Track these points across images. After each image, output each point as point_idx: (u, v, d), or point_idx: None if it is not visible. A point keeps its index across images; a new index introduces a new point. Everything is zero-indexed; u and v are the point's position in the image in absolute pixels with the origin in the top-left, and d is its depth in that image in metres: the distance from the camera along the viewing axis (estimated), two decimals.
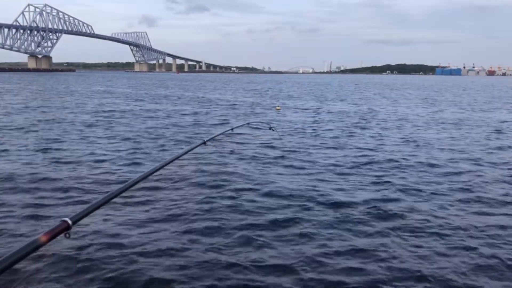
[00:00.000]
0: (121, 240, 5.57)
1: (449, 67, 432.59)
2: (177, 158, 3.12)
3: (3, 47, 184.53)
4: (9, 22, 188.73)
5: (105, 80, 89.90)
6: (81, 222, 1.90)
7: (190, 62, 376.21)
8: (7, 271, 1.49)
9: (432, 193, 7.82)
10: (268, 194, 7.64)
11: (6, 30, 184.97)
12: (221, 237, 5.70)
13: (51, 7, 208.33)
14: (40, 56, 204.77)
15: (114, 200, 2.24)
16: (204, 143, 3.70)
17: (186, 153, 3.38)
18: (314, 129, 16.78)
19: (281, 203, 7.12)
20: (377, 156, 11.28)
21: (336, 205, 7.07)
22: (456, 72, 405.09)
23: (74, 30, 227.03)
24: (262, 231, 5.92)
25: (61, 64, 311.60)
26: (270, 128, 7.23)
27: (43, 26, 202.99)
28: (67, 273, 4.67)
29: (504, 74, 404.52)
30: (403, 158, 11.00)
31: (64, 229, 1.75)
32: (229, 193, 7.66)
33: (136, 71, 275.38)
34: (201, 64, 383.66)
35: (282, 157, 10.99)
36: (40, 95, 37.09)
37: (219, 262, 4.97)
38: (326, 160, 10.76)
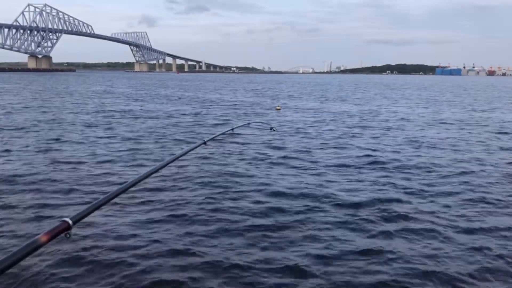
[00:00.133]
0: (121, 240, 5.56)
1: (449, 67, 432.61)
2: (177, 158, 3.12)
3: (3, 47, 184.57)
4: (9, 22, 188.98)
5: (105, 80, 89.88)
6: (82, 222, 1.89)
7: (190, 62, 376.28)
8: (8, 271, 1.48)
9: (435, 194, 7.80)
10: (270, 195, 7.62)
11: (6, 30, 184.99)
12: (224, 238, 5.69)
13: (51, 7, 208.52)
14: (40, 56, 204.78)
15: (115, 200, 2.24)
16: (205, 143, 3.71)
17: (186, 153, 3.38)
18: (315, 129, 16.76)
19: (282, 204, 7.10)
20: (379, 156, 11.27)
21: (339, 205, 7.05)
22: (456, 72, 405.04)
23: (74, 30, 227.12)
24: (264, 231, 5.88)
25: (61, 64, 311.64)
26: (270, 128, 7.24)
27: (43, 26, 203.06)
28: (67, 273, 4.66)
29: (504, 74, 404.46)
30: (406, 158, 10.99)
31: (64, 229, 1.75)
32: (230, 194, 7.65)
33: (136, 71, 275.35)
34: (201, 64, 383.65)
35: (283, 157, 10.98)
36: (40, 95, 37.07)
37: (222, 263, 4.95)
38: (327, 160, 10.75)
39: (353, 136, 15.08)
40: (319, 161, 10.55)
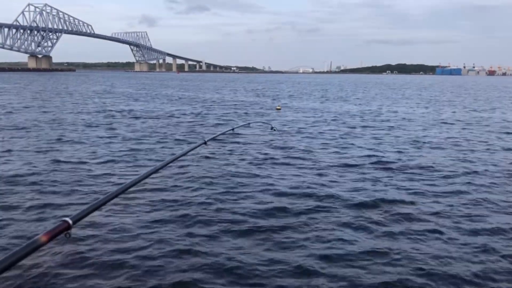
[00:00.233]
0: (121, 240, 5.54)
1: (449, 67, 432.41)
2: (178, 158, 3.10)
3: (3, 47, 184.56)
4: (9, 22, 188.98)
5: (105, 80, 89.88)
6: (82, 221, 1.88)
7: (190, 62, 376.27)
8: (7, 271, 1.47)
9: (437, 194, 7.78)
10: (271, 195, 7.60)
11: (6, 30, 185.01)
12: (225, 238, 5.67)
13: (51, 7, 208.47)
14: (40, 56, 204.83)
15: (115, 200, 2.22)
16: (205, 143, 3.68)
17: (187, 153, 3.36)
18: (316, 129, 16.75)
19: (284, 204, 7.08)
20: (380, 156, 11.25)
21: (341, 206, 7.03)
22: (456, 72, 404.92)
23: (74, 30, 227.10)
24: (267, 232, 5.86)
25: (61, 64, 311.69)
26: (271, 128, 7.21)
27: (43, 26, 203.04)
28: (67, 272, 4.64)
29: (504, 74, 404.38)
30: (407, 159, 10.97)
31: (64, 229, 1.73)
32: (232, 194, 7.64)
33: (136, 71, 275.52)
34: (201, 64, 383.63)
35: (284, 157, 10.97)
36: (40, 95, 37.07)
37: (224, 264, 4.92)
38: (328, 160, 10.73)
39: (354, 136, 15.07)
40: (320, 161, 10.53)
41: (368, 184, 8.42)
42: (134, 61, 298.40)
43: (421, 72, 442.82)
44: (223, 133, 5.13)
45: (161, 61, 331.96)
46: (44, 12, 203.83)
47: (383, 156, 11.16)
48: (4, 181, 8.33)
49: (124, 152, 11.52)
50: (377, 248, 5.36)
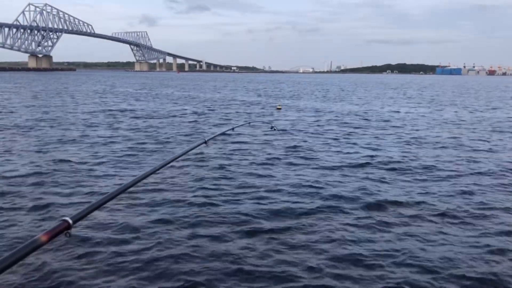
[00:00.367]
0: (122, 239, 5.54)
1: (449, 66, 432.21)
2: (178, 157, 3.10)
3: (3, 47, 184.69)
4: (10, 21, 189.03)
5: (105, 79, 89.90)
6: (82, 221, 1.88)
7: (190, 62, 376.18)
8: (7, 271, 1.47)
9: (439, 194, 7.77)
10: (272, 195, 7.59)
11: (6, 29, 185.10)
12: (227, 239, 5.65)
13: (52, 7, 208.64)
14: (40, 56, 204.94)
15: (115, 199, 2.22)
16: (205, 142, 3.68)
17: (187, 152, 3.36)
18: (316, 129, 16.75)
19: (286, 204, 7.07)
20: (381, 156, 11.24)
21: (343, 206, 7.01)
22: (456, 71, 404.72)
23: (75, 29, 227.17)
24: (269, 233, 5.84)
25: (62, 63, 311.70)
26: (271, 128, 7.21)
27: (44, 25, 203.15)
28: (66, 272, 4.64)
29: (504, 74, 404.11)
30: (409, 159, 10.96)
31: (64, 228, 1.73)
32: (232, 194, 7.63)
33: (136, 71, 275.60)
34: (201, 63, 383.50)
35: (284, 156, 10.97)
36: (41, 94, 37.08)
37: (226, 264, 4.91)
38: (328, 160, 10.73)
39: (355, 135, 15.06)
40: (321, 161, 10.52)
41: (371, 184, 8.39)
42: (135, 60, 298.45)
43: (421, 72, 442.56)
44: (223, 133, 5.13)
45: (161, 60, 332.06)
46: (44, 12, 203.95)
47: (385, 156, 11.15)
48: (5, 180, 8.33)
49: (124, 151, 11.52)
50: (382, 249, 5.34)
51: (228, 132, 5.17)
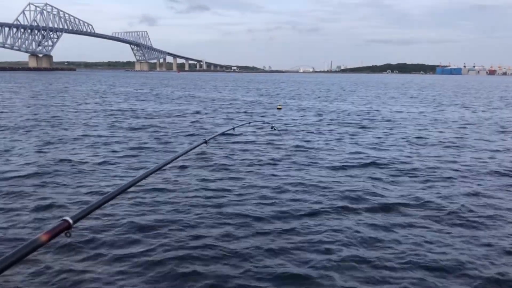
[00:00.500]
0: (122, 239, 5.54)
1: (449, 66, 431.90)
2: (178, 157, 3.09)
3: (3, 46, 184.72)
4: (10, 21, 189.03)
5: (106, 79, 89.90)
6: (83, 221, 1.87)
7: (190, 61, 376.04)
8: (8, 271, 1.46)
9: (441, 194, 7.77)
10: (273, 195, 7.58)
11: (7, 29, 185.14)
12: (228, 239, 5.65)
13: (52, 6, 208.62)
14: (40, 55, 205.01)
15: (116, 199, 2.21)
16: (206, 142, 3.66)
17: (187, 152, 3.35)
18: (316, 129, 16.73)
19: (287, 203, 7.07)
20: (382, 156, 11.23)
21: (344, 206, 7.00)
22: (457, 71, 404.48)
23: (75, 29, 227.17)
24: (270, 234, 5.83)
25: (62, 63, 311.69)
26: (271, 128, 7.19)
27: (44, 25, 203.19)
28: (66, 271, 4.64)
29: (504, 74, 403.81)
30: (410, 159, 10.95)
31: (64, 228, 1.72)
32: (233, 194, 7.62)
33: (136, 70, 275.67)
34: (201, 63, 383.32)
35: (284, 156, 10.96)
36: (41, 94, 37.08)
37: (229, 267, 4.92)
38: (330, 160, 10.72)
39: (355, 135, 15.05)
40: (323, 161, 10.52)
41: (375, 184, 8.38)
42: (135, 60, 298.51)
43: (421, 72, 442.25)
44: (223, 133, 5.12)
45: (161, 60, 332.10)
46: (44, 12, 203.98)
47: (387, 156, 11.14)
48: (5, 180, 8.33)
49: (125, 151, 11.51)
50: (388, 249, 5.34)
51: (228, 132, 5.15)
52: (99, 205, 1.98)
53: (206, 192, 7.63)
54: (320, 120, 19.81)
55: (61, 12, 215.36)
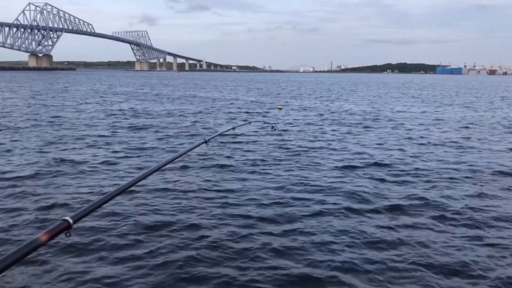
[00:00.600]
0: (122, 239, 5.52)
1: (450, 66, 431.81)
2: (178, 157, 3.08)
3: (3, 46, 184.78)
4: (10, 21, 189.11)
5: (106, 79, 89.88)
6: (83, 220, 1.87)
7: (190, 61, 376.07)
8: (7, 270, 1.45)
9: (442, 194, 7.75)
10: (273, 195, 7.54)
11: (7, 29, 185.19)
12: (229, 239, 5.63)
13: (52, 6, 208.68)
14: (40, 55, 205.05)
15: (116, 199, 2.21)
16: (206, 142, 3.66)
17: (187, 152, 3.34)
18: (317, 129, 16.72)
19: (287, 204, 7.04)
20: (383, 156, 11.19)
21: (345, 206, 6.97)
22: (457, 71, 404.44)
23: (75, 29, 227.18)
24: (272, 236, 5.79)
25: (62, 63, 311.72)
26: (272, 127, 7.19)
27: (44, 25, 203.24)
28: (66, 271, 4.62)
29: (505, 73, 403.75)
30: (411, 159, 10.92)
31: (64, 228, 1.71)
32: (233, 194, 7.60)
33: (137, 70, 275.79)
34: (201, 63, 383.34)
35: (285, 156, 10.94)
36: (41, 94, 37.07)
37: (230, 268, 4.90)
38: (331, 159, 10.69)
39: (356, 135, 15.03)
40: (324, 161, 10.50)
41: (376, 184, 8.34)
42: (135, 60, 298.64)
43: (421, 72, 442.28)
44: (223, 132, 5.11)
45: (161, 60, 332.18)
46: (44, 11, 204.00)
47: (390, 156, 11.10)
48: (5, 180, 8.32)
49: (125, 151, 11.50)
50: (392, 250, 5.31)
51: (228, 132, 5.14)
52: (99, 205, 1.97)
53: (206, 192, 7.61)
54: (321, 120, 19.79)
55: (61, 12, 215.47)
